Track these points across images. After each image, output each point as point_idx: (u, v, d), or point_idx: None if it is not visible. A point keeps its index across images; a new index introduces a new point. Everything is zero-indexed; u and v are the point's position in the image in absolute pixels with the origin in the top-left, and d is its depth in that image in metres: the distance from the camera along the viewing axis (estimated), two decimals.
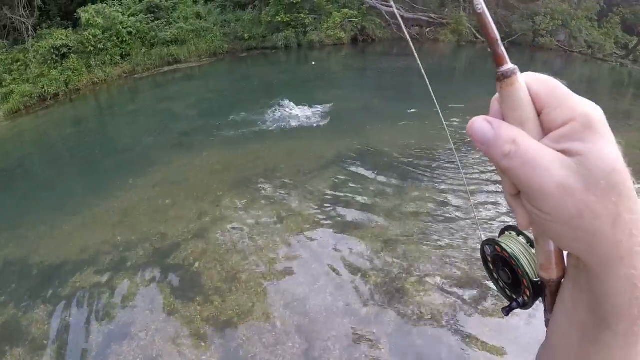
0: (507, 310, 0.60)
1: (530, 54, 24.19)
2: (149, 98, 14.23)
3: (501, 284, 0.60)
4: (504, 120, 0.42)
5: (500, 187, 0.59)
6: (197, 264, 5.59)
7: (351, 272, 5.28)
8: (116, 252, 6.03)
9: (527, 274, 0.54)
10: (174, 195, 7.47)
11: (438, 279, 5.12)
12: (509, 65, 0.40)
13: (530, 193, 0.40)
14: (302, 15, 19.94)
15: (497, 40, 0.41)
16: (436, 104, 0.87)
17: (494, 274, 0.61)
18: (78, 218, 7.10)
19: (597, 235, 0.38)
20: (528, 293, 0.55)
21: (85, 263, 5.88)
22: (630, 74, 25.69)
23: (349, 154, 8.64)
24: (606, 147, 0.38)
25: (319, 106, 11.40)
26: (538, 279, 0.52)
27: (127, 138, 11.08)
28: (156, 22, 18.75)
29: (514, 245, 0.56)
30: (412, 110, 10.67)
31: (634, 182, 0.39)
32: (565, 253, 0.47)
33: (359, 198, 6.97)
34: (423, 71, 0.78)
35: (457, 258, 5.45)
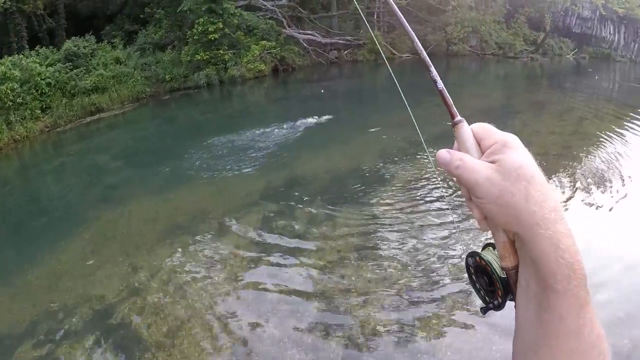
0: (485, 310, 0.71)
1: (447, 62, 25.57)
2: (73, 152, 14.17)
3: (482, 293, 0.71)
4: (459, 150, 0.65)
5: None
6: (137, 321, 5.51)
7: (292, 303, 5.46)
8: (53, 321, 5.86)
9: (497, 273, 0.66)
10: (105, 253, 7.50)
11: (378, 298, 5.38)
12: (458, 117, 0.65)
13: (471, 187, 0.61)
14: (221, 52, 20.49)
15: (451, 104, 0.66)
16: (412, 117, 1.07)
17: (476, 283, 0.72)
18: (9, 289, 6.97)
19: (517, 208, 0.57)
20: (500, 293, 0.66)
21: (21, 337, 5.66)
22: (541, 66, 27.76)
23: (276, 186, 9.08)
24: (515, 154, 0.59)
25: (244, 142, 11.91)
26: (505, 276, 0.65)
27: (53, 197, 11.11)
28: (75, 70, 18.55)
29: (489, 255, 0.67)
30: (373, 130, 11.40)
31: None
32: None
33: (290, 229, 7.30)
34: (399, 86, 1.07)
35: (395, 276, 5.81)
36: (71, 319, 5.82)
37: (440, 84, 0.67)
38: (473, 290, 0.73)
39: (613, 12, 40.42)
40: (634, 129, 11.70)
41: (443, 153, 0.63)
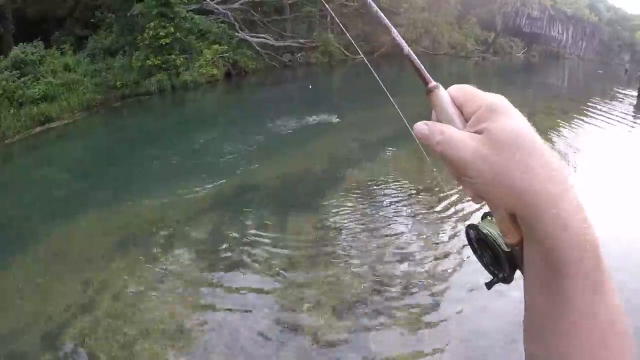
0: (489, 284, 0.64)
1: (400, 63, 25.95)
2: (22, 165, 14.00)
3: (485, 261, 0.64)
4: (438, 121, 0.55)
5: None
6: (89, 341, 5.48)
7: (243, 312, 5.64)
8: (3, 345, 5.74)
9: (500, 248, 0.59)
10: (55, 270, 7.43)
11: (330, 303, 5.56)
12: (433, 83, 0.55)
13: (457, 165, 0.52)
14: (173, 56, 20.50)
15: (421, 68, 0.56)
16: (399, 112, 0.86)
17: (481, 257, 0.65)
18: None
19: (516, 187, 0.48)
20: (507, 268, 0.60)
21: None
22: (492, 64, 28.76)
23: (228, 193, 9.31)
24: (508, 121, 0.50)
25: (196, 149, 12.11)
26: (509, 249, 0.58)
27: (1, 214, 11.02)
28: (23, 78, 18.06)
29: (490, 227, 0.60)
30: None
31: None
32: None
33: (241, 236, 7.47)
34: (384, 87, 0.86)
35: (345, 278, 6.07)
36: (22, 342, 5.73)
37: (406, 48, 0.58)
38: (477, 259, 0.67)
39: (562, 12, 42.18)
40: (581, 123, 12.51)
41: (420, 126, 0.54)
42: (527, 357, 0.60)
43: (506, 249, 0.59)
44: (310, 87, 20.35)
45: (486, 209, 0.59)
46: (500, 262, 0.61)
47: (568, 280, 0.50)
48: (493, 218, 0.60)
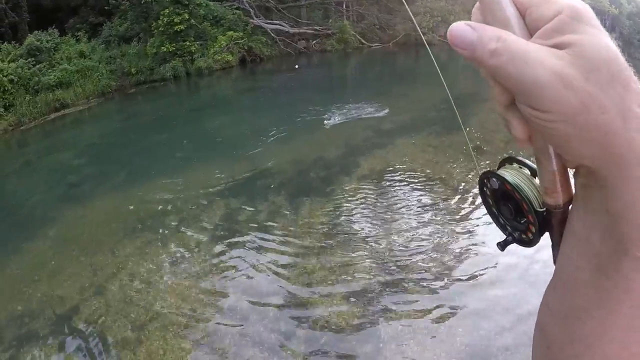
0: (503, 245, 0.56)
1: (416, 51, 25.68)
2: (38, 150, 14.04)
3: (502, 220, 0.55)
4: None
5: None
6: (101, 322, 5.54)
7: (255, 300, 5.54)
8: (17, 327, 5.83)
9: (531, 204, 0.48)
10: (68, 253, 7.47)
11: (341, 289, 5.49)
12: None
13: (525, 90, 0.36)
14: (188, 43, 20.36)
15: None
16: (453, 105, 0.92)
17: (494, 209, 0.55)
18: None
19: (609, 132, 0.34)
20: (533, 229, 0.50)
21: None
22: None
23: (242, 178, 9.19)
24: (602, 36, 0.35)
25: (210, 135, 12.04)
26: (543, 209, 0.47)
27: (17, 198, 11.03)
28: (38, 65, 18.18)
29: (517, 177, 0.50)
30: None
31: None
32: (571, 174, 0.43)
33: (253, 221, 7.40)
34: (442, 78, 0.79)
35: (357, 266, 5.95)
36: (35, 324, 5.83)
37: None
38: (489, 215, 0.56)
39: None
40: None
41: (461, 26, 0.38)
42: (542, 337, 0.51)
43: (539, 209, 0.48)
44: (296, 67, 20.38)
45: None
46: (521, 220, 0.51)
47: (634, 264, 0.39)
48: (518, 165, 0.52)
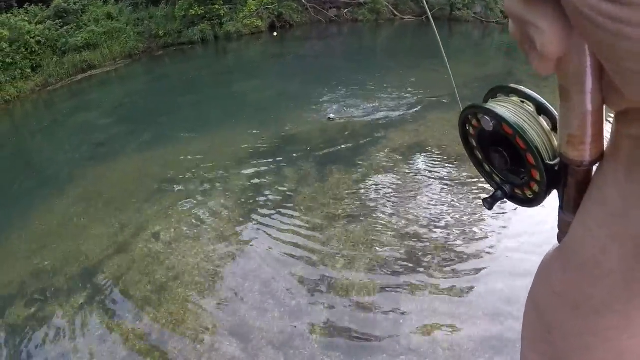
0: (491, 202, 0.46)
1: (449, 27, 24.95)
2: (64, 110, 13.90)
3: (487, 168, 0.45)
4: None
5: None
6: (124, 280, 5.58)
7: (277, 266, 5.47)
8: (42, 281, 5.93)
9: (540, 156, 0.37)
10: (93, 211, 7.50)
11: (364, 261, 5.35)
12: None
13: None
14: (217, 7, 19.83)
15: None
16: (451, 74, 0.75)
17: (479, 155, 0.45)
18: None
19: None
20: (536, 187, 0.40)
21: (12, 297, 5.75)
22: None
23: (269, 143, 8.96)
24: None
25: (237, 99, 11.71)
26: (555, 162, 0.37)
27: (43, 157, 10.95)
28: (65, 27, 18.07)
29: (519, 115, 0.38)
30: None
31: None
32: (606, 130, 0.32)
33: (280, 187, 7.28)
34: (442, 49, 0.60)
35: (382, 239, 5.75)
36: (60, 278, 5.91)
37: None
38: (472, 163, 0.43)
39: None
40: None
41: None
42: (540, 320, 0.45)
43: (551, 162, 0.37)
44: (274, 34, 19.90)
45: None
46: (520, 174, 0.41)
47: None
48: (520, 100, 0.38)
